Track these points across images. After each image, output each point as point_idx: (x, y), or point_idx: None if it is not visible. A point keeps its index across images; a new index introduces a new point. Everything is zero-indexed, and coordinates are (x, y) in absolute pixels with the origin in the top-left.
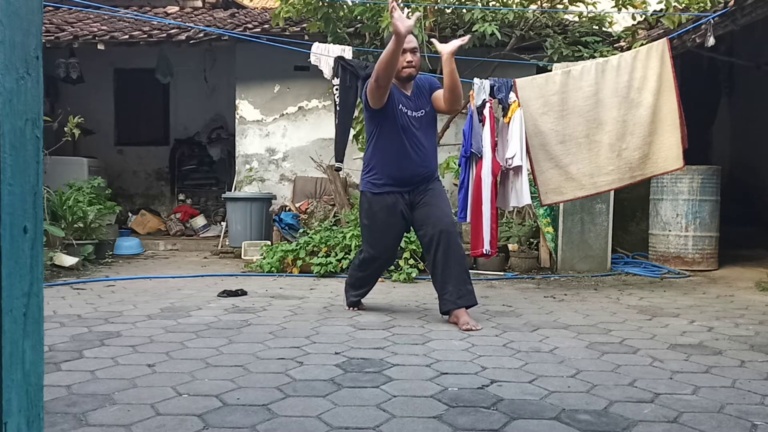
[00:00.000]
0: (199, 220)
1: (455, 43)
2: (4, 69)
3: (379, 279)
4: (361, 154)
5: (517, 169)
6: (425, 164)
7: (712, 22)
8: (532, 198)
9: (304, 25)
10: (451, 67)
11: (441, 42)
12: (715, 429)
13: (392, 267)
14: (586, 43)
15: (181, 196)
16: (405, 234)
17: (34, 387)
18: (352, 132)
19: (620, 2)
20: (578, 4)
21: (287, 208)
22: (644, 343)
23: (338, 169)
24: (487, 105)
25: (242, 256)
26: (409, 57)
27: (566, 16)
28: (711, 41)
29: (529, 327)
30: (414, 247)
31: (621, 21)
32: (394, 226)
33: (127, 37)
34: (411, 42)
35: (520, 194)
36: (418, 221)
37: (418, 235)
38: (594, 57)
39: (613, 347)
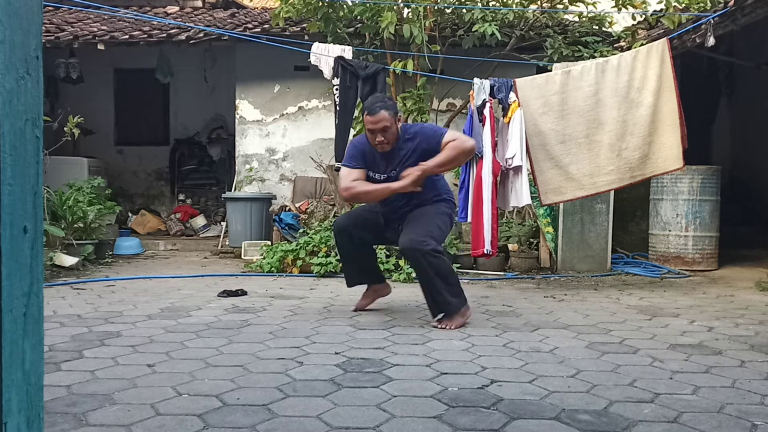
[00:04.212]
0: (199, 220)
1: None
2: (4, 69)
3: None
4: None
5: (517, 169)
6: (410, 202)
7: (712, 22)
8: (532, 198)
9: (304, 25)
10: (436, 168)
11: (441, 42)
12: (715, 429)
13: (392, 267)
14: (586, 43)
15: (181, 196)
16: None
17: (34, 387)
18: (352, 132)
19: (620, 2)
20: (578, 4)
21: (287, 208)
22: (644, 343)
23: (338, 169)
24: (487, 105)
25: (242, 256)
26: (379, 137)
27: (566, 16)
28: (711, 41)
29: (529, 327)
30: None
31: (621, 21)
32: (370, 216)
33: (127, 37)
34: (380, 122)
35: (520, 194)
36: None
37: None
38: (594, 57)
39: (613, 347)
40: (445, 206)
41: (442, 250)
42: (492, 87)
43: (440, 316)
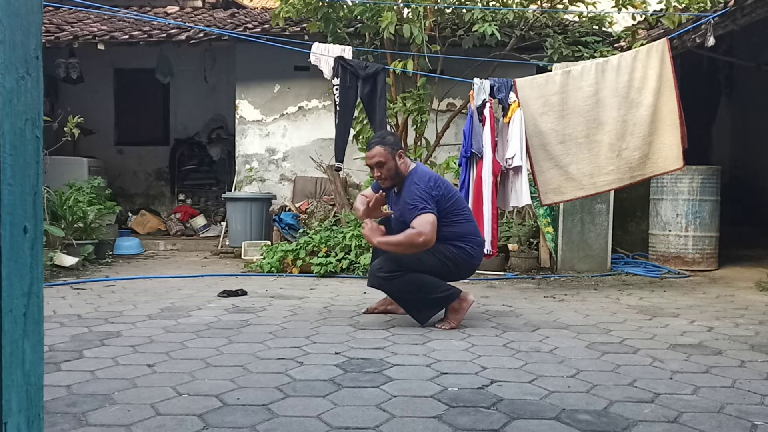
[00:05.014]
0: (199, 220)
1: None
2: (4, 69)
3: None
4: (362, 154)
5: (517, 169)
6: None
7: (712, 22)
8: (532, 198)
9: (304, 25)
10: (383, 245)
11: (441, 42)
12: (715, 429)
13: None
14: (586, 43)
15: (181, 196)
16: None
17: (34, 387)
18: (352, 132)
19: (620, 2)
20: (578, 4)
21: (287, 208)
22: (644, 343)
23: (338, 169)
24: (487, 105)
25: (242, 256)
26: (375, 172)
27: (566, 16)
28: (711, 41)
29: (529, 327)
30: None
31: (621, 21)
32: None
33: (127, 37)
34: (374, 157)
35: (520, 194)
36: None
37: None
38: (594, 57)
39: (613, 347)
40: (446, 248)
41: (398, 274)
42: (492, 87)
43: (440, 317)
